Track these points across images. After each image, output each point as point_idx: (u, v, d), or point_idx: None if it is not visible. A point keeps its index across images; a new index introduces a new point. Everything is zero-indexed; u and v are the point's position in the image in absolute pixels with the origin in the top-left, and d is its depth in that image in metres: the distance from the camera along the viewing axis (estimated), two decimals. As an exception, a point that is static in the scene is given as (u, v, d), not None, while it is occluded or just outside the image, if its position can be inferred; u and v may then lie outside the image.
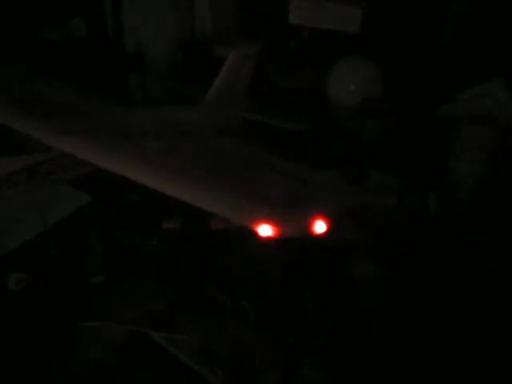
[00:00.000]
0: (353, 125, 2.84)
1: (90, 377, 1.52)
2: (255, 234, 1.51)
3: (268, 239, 1.51)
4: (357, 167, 2.47)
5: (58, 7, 3.86)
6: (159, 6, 3.68)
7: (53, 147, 1.89)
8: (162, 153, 1.84)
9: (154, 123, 2.21)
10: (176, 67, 3.69)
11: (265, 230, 1.48)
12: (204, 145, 2.09)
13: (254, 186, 1.69)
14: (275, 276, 1.86)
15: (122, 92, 3.84)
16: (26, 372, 1.51)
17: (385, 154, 2.59)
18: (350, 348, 1.60)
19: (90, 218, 2.08)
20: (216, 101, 2.84)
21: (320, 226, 1.53)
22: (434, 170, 2.49)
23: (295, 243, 1.73)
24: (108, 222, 2.10)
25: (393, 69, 3.04)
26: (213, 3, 3.62)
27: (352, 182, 2.04)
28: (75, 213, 2.06)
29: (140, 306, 1.73)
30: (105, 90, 3.76)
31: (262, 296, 1.76)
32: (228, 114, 2.81)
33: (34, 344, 1.58)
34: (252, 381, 1.49)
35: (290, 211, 1.57)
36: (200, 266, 1.93)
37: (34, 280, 1.74)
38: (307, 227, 1.53)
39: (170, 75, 3.70)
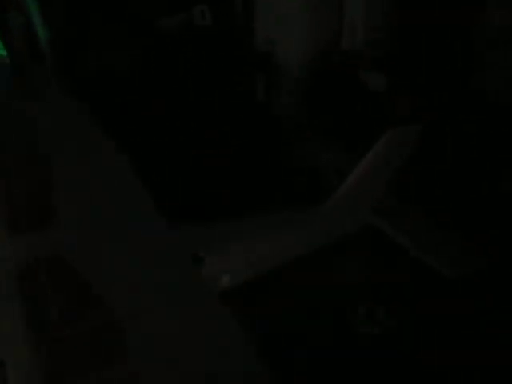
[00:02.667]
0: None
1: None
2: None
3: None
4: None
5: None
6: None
7: None
8: None
9: None
10: (308, 79, 3.29)
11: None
12: None
13: None
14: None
15: (246, 92, 3.46)
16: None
17: None
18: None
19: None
20: (350, 198, 2.08)
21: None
22: None
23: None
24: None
25: None
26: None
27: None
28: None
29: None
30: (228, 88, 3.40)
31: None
32: (357, 217, 2.08)
33: None
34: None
35: None
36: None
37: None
38: None
39: (300, 86, 3.30)
